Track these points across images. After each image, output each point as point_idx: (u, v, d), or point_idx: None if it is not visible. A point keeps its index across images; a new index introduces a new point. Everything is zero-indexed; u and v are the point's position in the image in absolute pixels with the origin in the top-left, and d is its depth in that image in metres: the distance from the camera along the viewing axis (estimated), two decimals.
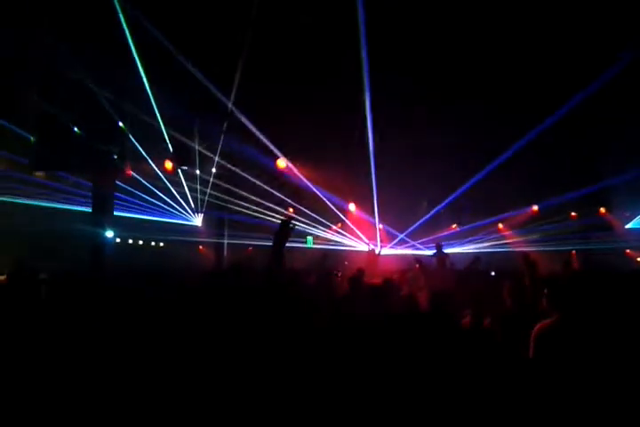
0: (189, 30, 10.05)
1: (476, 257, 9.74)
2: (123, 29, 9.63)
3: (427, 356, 2.94)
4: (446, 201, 16.99)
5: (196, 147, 13.57)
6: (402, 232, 18.81)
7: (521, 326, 3.78)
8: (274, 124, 13.17)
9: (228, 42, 10.70)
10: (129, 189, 13.54)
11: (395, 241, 18.96)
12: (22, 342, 3.38)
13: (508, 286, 4.41)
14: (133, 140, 11.57)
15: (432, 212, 17.83)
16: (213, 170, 15.13)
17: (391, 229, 18.76)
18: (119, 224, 12.70)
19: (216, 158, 14.34)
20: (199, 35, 10.23)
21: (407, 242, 19.04)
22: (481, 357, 3.16)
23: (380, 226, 18.42)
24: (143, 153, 12.35)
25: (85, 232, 11.17)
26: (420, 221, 18.14)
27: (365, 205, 17.40)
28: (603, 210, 17.60)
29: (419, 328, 3.30)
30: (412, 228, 18.43)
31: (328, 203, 17.27)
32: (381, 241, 18.68)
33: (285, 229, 3.65)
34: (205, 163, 14.63)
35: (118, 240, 15.00)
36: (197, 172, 14.66)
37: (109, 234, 11.41)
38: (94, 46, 9.43)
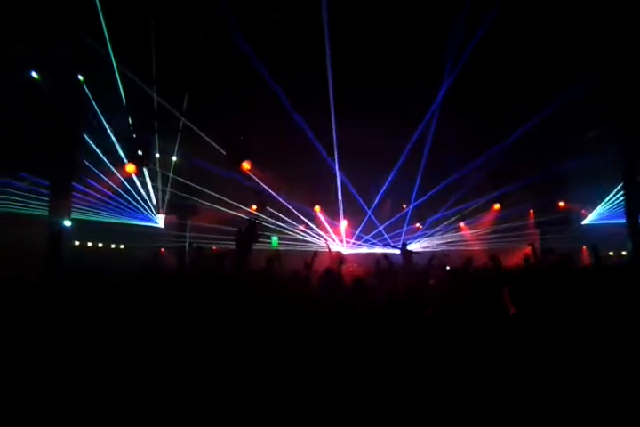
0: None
1: (433, 255, 9.90)
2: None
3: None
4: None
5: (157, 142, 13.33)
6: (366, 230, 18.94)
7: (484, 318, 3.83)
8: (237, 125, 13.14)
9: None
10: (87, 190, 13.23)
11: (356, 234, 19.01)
12: None
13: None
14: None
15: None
16: (174, 158, 14.89)
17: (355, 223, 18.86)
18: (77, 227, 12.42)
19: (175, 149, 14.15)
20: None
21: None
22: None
23: (345, 222, 18.54)
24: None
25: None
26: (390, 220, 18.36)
27: (331, 205, 17.58)
28: (562, 204, 17.97)
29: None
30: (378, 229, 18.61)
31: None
32: (347, 239, 18.81)
33: (252, 230, 3.56)
34: (165, 157, 14.43)
35: (77, 243, 14.61)
36: (157, 155, 14.29)
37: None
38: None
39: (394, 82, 11.79)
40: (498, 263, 5.28)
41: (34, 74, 9.91)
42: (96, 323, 3.59)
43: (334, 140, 14.03)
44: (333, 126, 13.38)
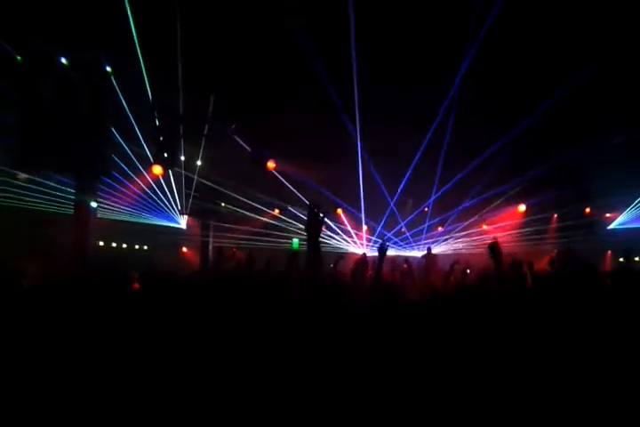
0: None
1: (456, 260, 9.86)
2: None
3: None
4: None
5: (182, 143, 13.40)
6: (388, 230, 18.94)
7: None
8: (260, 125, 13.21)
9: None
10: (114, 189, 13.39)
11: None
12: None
13: None
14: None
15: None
16: (198, 162, 14.97)
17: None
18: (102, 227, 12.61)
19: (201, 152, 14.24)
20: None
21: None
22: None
23: (366, 227, 18.53)
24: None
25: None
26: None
27: (353, 203, 17.59)
28: (588, 210, 17.69)
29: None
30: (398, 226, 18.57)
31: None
32: (367, 236, 18.85)
33: (315, 219, 3.50)
34: (190, 158, 14.54)
35: (101, 244, 14.79)
36: (182, 158, 14.32)
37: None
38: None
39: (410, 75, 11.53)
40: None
41: (63, 60, 9.88)
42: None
43: (358, 134, 13.97)
44: (357, 116, 13.28)
